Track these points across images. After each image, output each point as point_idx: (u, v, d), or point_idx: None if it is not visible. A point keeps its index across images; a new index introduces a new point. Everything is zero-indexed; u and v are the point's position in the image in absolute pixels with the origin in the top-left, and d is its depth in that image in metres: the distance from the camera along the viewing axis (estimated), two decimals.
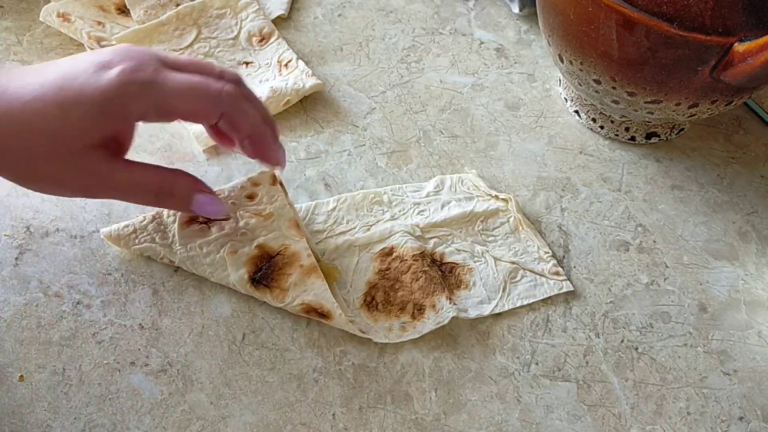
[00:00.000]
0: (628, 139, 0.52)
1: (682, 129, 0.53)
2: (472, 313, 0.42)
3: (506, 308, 0.43)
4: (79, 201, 0.45)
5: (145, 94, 0.35)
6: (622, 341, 0.43)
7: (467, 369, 0.41)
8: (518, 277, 0.44)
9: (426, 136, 0.52)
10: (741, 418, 0.40)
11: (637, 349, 0.42)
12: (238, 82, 0.39)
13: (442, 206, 0.47)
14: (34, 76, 0.34)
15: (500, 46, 0.59)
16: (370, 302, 0.42)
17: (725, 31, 0.39)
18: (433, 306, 0.42)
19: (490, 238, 0.46)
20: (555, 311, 0.43)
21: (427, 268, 0.43)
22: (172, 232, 0.42)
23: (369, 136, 0.52)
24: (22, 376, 0.38)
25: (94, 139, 0.35)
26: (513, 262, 0.45)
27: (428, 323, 0.41)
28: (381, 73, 0.56)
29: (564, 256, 0.46)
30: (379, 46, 0.58)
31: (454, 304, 0.42)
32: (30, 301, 0.41)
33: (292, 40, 0.57)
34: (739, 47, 0.39)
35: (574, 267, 0.46)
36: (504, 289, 0.43)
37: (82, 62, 0.35)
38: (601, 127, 0.52)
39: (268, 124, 0.40)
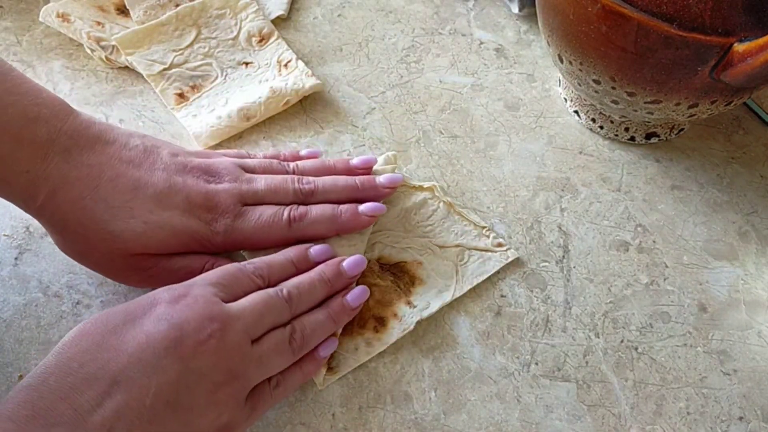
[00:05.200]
0: (628, 140, 0.52)
1: (682, 129, 0.53)
2: (435, 306, 0.42)
3: (464, 290, 0.43)
4: None
5: None
6: (622, 341, 0.43)
7: (467, 369, 0.41)
8: (466, 258, 0.45)
9: (426, 136, 0.52)
10: (741, 418, 0.40)
11: (636, 349, 0.42)
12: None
13: None
14: None
15: (500, 46, 0.59)
16: None
17: (725, 31, 0.39)
18: (395, 315, 0.41)
19: (428, 228, 0.46)
20: (555, 311, 0.43)
21: (377, 280, 0.43)
22: None
23: (369, 136, 0.52)
24: (21, 376, 0.38)
25: None
26: (457, 245, 0.45)
27: (394, 332, 0.41)
28: (381, 74, 0.56)
29: (564, 256, 0.46)
30: (378, 46, 0.58)
31: (414, 307, 0.42)
32: (30, 301, 0.41)
33: (292, 40, 0.57)
34: (739, 47, 0.39)
35: (574, 267, 0.45)
36: (457, 273, 0.44)
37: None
38: (601, 128, 0.52)
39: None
